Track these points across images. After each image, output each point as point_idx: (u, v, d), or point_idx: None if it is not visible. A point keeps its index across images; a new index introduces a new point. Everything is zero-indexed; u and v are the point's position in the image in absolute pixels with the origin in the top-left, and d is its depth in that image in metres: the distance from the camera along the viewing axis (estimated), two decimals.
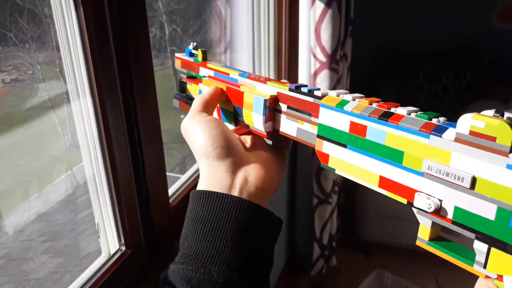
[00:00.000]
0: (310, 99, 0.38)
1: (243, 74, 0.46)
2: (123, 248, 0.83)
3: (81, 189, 1.05)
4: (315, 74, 1.67)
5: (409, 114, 0.31)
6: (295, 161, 1.91)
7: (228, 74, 0.47)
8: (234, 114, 0.45)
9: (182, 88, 0.55)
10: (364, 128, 0.32)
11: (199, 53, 0.52)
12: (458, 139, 0.27)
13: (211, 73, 0.50)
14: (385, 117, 0.31)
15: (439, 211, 0.29)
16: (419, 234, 0.30)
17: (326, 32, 1.57)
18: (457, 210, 0.28)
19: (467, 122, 0.26)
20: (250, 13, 1.56)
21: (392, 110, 0.31)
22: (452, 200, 0.28)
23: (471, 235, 0.27)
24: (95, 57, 0.68)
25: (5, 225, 1.15)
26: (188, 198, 0.39)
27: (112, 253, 0.83)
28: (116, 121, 0.74)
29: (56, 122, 0.94)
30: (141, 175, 0.80)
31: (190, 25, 1.21)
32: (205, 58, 0.52)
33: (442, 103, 2.51)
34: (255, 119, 0.42)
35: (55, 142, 0.94)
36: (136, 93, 0.75)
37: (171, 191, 0.98)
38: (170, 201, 0.94)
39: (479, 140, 0.26)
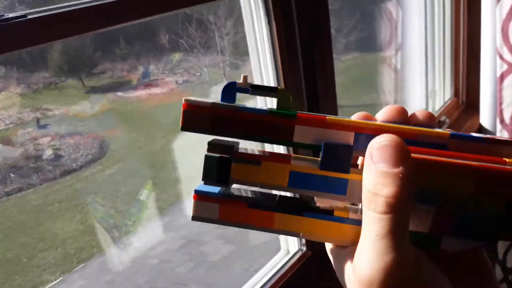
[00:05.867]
0: None
1: (458, 134, 0.24)
2: (304, 248, 0.83)
3: None
4: (502, 77, 1.48)
5: None
6: None
7: (414, 136, 0.23)
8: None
9: (218, 169, 0.24)
10: None
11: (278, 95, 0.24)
12: None
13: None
14: None
15: None
16: None
17: None
18: None
19: None
20: (423, 12, 1.47)
21: None
22: None
23: None
24: (284, 65, 0.73)
25: (186, 208, 1.32)
26: None
27: (292, 252, 0.83)
28: None
29: None
30: None
31: (345, 24, 1.20)
32: (288, 104, 0.24)
33: None
34: None
35: None
36: (320, 101, 0.77)
37: None
38: None
39: None
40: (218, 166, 0.24)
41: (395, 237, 0.21)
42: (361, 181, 0.23)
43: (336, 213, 0.24)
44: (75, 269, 2.04)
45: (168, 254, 1.43)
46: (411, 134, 0.23)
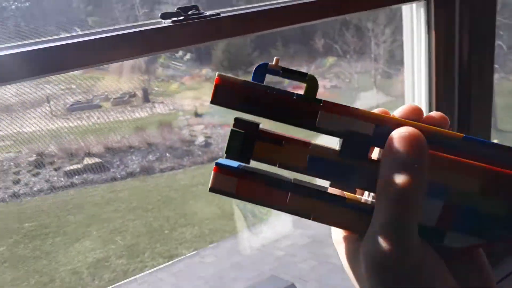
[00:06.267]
0: None
1: (470, 137, 0.25)
2: None
3: None
4: None
5: None
6: None
7: (430, 134, 0.24)
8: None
9: (242, 144, 0.26)
10: None
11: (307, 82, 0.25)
12: None
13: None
14: None
15: None
16: None
17: None
18: None
19: None
20: None
21: None
22: None
23: None
24: (439, 78, 0.71)
25: None
26: None
27: None
28: None
29: None
30: None
31: None
32: (315, 91, 0.25)
33: None
34: None
35: None
36: (472, 121, 0.74)
37: None
38: None
39: None
40: (243, 142, 0.25)
41: (405, 225, 0.21)
42: (376, 171, 0.24)
43: (347, 201, 0.25)
44: (208, 247, 2.22)
45: (294, 249, 1.47)
46: (427, 132, 0.24)
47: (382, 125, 0.24)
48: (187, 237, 2.27)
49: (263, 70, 0.25)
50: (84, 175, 2.29)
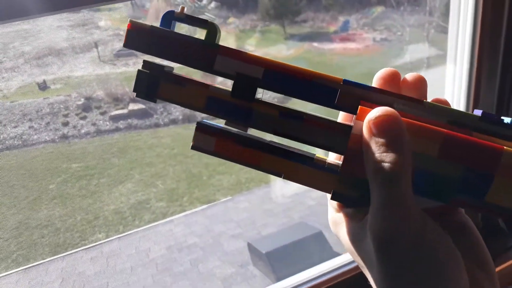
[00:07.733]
0: None
1: (350, 81, 0.27)
2: None
3: None
4: None
5: None
6: None
7: (310, 77, 0.27)
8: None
9: (147, 84, 0.28)
10: None
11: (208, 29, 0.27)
12: None
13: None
14: None
15: None
16: None
17: None
18: None
19: None
20: None
21: None
22: None
23: None
24: (484, 25, 0.66)
25: None
26: None
27: None
28: (488, 96, 0.71)
29: None
30: None
31: None
32: (215, 37, 0.27)
33: None
34: None
35: None
36: None
37: None
38: None
39: None
40: (148, 82, 0.27)
41: (404, 200, 0.23)
42: (265, 111, 0.27)
43: (315, 161, 0.27)
44: (242, 193, 2.29)
45: (325, 199, 1.52)
46: (306, 75, 0.26)
47: (271, 69, 0.26)
48: (224, 184, 2.33)
49: (169, 17, 0.27)
50: (129, 120, 2.37)
